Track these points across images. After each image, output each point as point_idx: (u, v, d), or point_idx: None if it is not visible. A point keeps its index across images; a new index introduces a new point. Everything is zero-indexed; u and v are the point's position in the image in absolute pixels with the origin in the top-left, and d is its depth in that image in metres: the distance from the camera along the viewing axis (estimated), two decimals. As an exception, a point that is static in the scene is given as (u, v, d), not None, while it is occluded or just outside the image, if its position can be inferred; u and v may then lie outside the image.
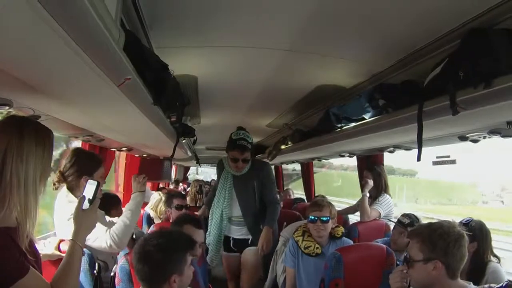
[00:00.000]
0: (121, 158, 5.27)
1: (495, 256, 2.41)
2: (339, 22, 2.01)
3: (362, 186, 3.92)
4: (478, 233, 2.33)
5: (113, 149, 3.74)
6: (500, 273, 2.30)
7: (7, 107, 1.56)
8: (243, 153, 3.40)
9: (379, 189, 3.88)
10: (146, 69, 1.78)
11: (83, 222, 1.55)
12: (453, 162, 2.72)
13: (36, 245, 1.49)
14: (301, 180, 6.98)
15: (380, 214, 3.76)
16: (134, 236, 2.65)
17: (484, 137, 2.33)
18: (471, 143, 2.49)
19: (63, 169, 2.39)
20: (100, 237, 2.32)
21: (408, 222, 2.90)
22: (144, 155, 5.18)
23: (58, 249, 2.17)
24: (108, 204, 3.26)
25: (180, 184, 10.28)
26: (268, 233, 3.37)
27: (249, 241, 3.56)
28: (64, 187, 2.43)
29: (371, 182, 3.83)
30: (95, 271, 2.38)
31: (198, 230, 2.58)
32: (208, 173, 19.71)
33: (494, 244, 2.44)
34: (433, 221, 1.93)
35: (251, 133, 3.57)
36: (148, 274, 1.79)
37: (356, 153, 4.29)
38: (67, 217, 2.28)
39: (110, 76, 1.39)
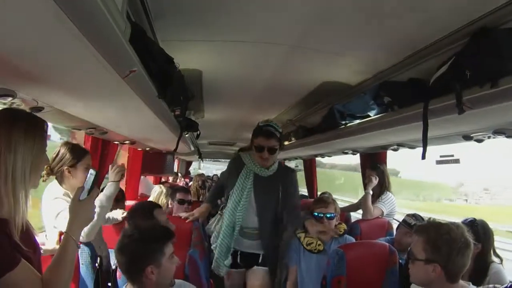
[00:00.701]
0: (124, 151, 5.26)
1: (498, 256, 2.41)
2: (345, 18, 2.00)
3: (365, 184, 3.90)
4: (482, 234, 2.32)
5: (116, 142, 3.72)
6: (502, 274, 2.29)
7: (10, 98, 1.54)
8: (269, 140, 2.91)
9: (382, 187, 3.86)
10: (151, 61, 1.77)
11: (78, 213, 1.48)
12: (456, 161, 2.71)
13: (37, 238, 1.48)
14: (303, 177, 6.97)
15: (382, 212, 3.74)
16: None
17: (489, 137, 2.32)
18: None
19: (50, 162, 2.41)
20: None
21: (414, 224, 2.88)
22: (147, 149, 5.18)
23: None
24: None
25: (182, 178, 10.26)
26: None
27: (260, 257, 3.06)
28: (53, 181, 2.48)
29: (375, 180, 3.80)
30: (96, 264, 2.39)
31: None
32: (209, 168, 19.73)
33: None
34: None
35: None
36: (126, 265, 1.82)
37: (360, 151, 4.28)
38: (53, 213, 2.33)
39: (115, 67, 1.38)
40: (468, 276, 1.85)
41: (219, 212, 3.21)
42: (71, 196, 2.46)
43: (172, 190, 4.30)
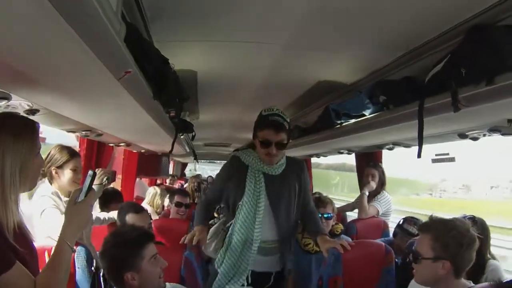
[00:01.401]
0: (119, 153, 5.25)
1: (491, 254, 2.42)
2: (339, 17, 2.00)
3: (362, 183, 3.91)
4: (481, 231, 2.32)
5: (111, 144, 3.71)
6: (499, 271, 2.31)
7: (5, 101, 1.54)
8: (278, 133, 2.33)
9: (382, 186, 3.86)
10: (146, 62, 1.76)
11: (73, 217, 1.40)
12: (452, 160, 2.72)
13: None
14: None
15: (378, 211, 3.73)
16: None
17: (484, 135, 2.33)
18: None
19: None
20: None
21: (416, 234, 2.85)
22: (142, 151, 5.17)
23: None
24: (108, 199, 3.27)
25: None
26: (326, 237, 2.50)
27: (272, 276, 2.47)
28: (44, 180, 2.54)
29: (373, 184, 3.79)
30: (92, 268, 2.38)
31: (138, 214, 2.60)
32: (205, 169, 19.70)
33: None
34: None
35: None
36: (107, 271, 1.79)
37: (355, 150, 4.30)
38: (38, 212, 2.38)
39: (111, 69, 1.37)
40: (466, 273, 1.85)
41: (215, 226, 2.61)
42: (60, 196, 2.48)
43: (171, 192, 4.28)
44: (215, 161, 15.71)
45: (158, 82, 1.98)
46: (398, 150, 3.58)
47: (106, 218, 3.20)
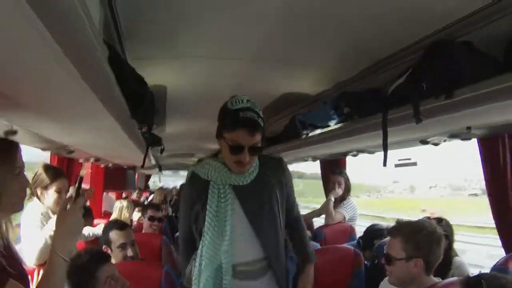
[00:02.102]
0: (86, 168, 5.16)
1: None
2: (303, 31, 2.06)
3: (328, 190, 4.00)
4: (448, 230, 2.45)
5: (81, 161, 3.67)
6: (465, 267, 2.42)
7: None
8: (253, 135, 1.78)
9: (347, 192, 3.93)
10: (124, 82, 1.77)
11: (63, 225, 1.35)
12: (414, 164, 2.86)
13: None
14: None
15: (345, 217, 3.80)
16: None
17: (445, 140, 2.45)
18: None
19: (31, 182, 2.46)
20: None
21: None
22: (109, 165, 5.10)
23: None
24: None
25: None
26: (311, 273, 2.15)
27: None
28: (33, 199, 2.54)
29: (339, 191, 3.86)
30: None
31: (122, 231, 2.58)
32: (166, 181, 19.40)
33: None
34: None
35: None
36: None
37: (320, 158, 4.40)
38: (24, 224, 2.41)
39: (95, 89, 1.34)
40: (434, 271, 1.95)
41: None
42: (51, 215, 2.47)
43: (143, 206, 4.27)
44: (179, 172, 15.55)
45: (136, 101, 1.99)
46: (359, 157, 3.73)
47: (91, 234, 3.18)
